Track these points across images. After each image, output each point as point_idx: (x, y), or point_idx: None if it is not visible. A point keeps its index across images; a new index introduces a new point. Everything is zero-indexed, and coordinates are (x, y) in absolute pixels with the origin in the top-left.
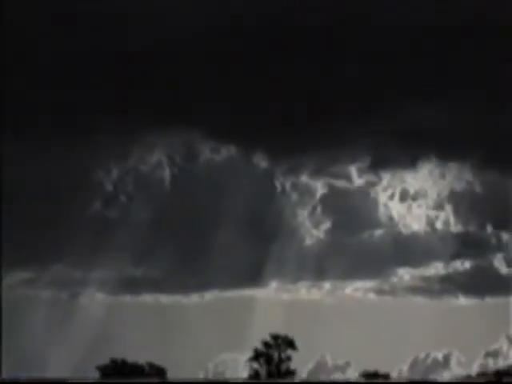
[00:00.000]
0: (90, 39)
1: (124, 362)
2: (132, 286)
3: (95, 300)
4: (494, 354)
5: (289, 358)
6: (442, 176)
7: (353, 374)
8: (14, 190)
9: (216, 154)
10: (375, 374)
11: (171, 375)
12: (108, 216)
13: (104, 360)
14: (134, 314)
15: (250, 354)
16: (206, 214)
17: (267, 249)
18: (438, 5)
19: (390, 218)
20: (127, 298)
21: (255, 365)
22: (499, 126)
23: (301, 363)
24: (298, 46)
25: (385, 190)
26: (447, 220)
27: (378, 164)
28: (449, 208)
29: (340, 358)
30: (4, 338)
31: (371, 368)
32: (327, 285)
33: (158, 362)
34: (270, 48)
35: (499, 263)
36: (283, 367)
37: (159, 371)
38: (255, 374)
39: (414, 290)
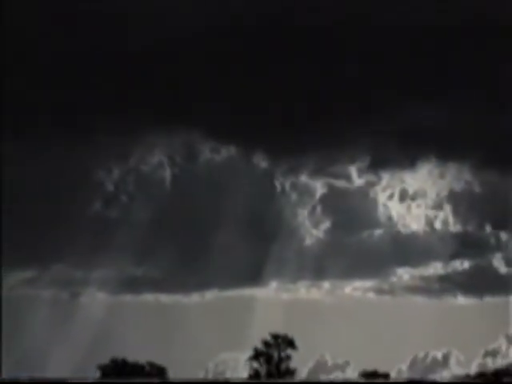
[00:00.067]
0: (90, 39)
1: (124, 362)
2: (132, 285)
3: (96, 300)
4: (493, 354)
5: (289, 358)
6: (441, 176)
7: (352, 373)
8: (14, 190)
9: (216, 154)
10: (374, 374)
11: (172, 374)
12: (109, 216)
13: (105, 359)
14: (135, 314)
15: (250, 353)
16: (206, 213)
17: (267, 248)
18: (438, 5)
19: (390, 218)
20: (128, 298)
21: (255, 364)
22: (499, 126)
23: (300, 362)
24: (298, 46)
25: (384, 189)
26: (446, 220)
27: (378, 164)
28: (448, 208)
29: (339, 358)
30: (5, 338)
31: (370, 367)
32: (327, 284)
33: (159, 361)
34: (270, 48)
35: (498, 263)
36: (283, 366)
37: (160, 370)
38: (255, 374)
39: (413, 289)
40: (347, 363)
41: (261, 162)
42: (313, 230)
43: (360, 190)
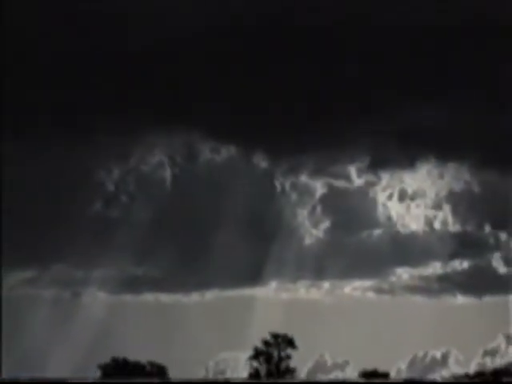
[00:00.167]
0: (90, 39)
1: (125, 361)
2: (133, 285)
3: (96, 299)
4: (492, 353)
5: (288, 357)
6: (441, 176)
7: (352, 372)
8: (14, 190)
9: (216, 154)
10: (374, 373)
11: (172, 374)
12: (109, 216)
13: (105, 359)
14: (135, 313)
15: (250, 352)
16: (206, 213)
17: (267, 248)
18: (438, 5)
19: (389, 218)
20: (128, 297)
21: (255, 363)
22: (499, 126)
23: (300, 362)
24: (298, 46)
25: (384, 190)
26: (445, 220)
27: (377, 164)
28: (447, 208)
29: (339, 357)
30: (5, 338)
31: (370, 366)
32: (326, 284)
33: (159, 360)
34: (270, 48)
35: (497, 263)
36: (283, 366)
37: (160, 370)
38: (255, 373)
39: (412, 289)
40: (347, 362)
41: (261, 161)
42: (312, 229)
43: (360, 190)
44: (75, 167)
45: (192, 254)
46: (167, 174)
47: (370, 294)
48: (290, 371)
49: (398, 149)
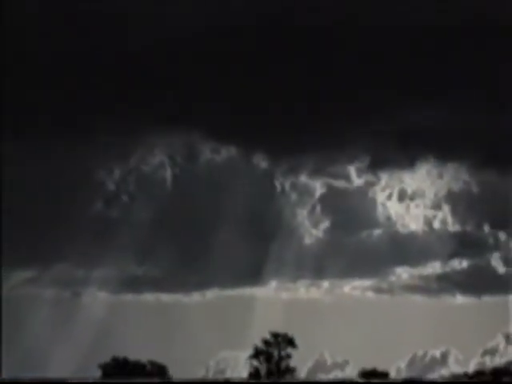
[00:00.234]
0: (90, 39)
1: (126, 361)
2: (133, 284)
3: (97, 299)
4: (492, 352)
5: (288, 356)
6: (440, 176)
7: (351, 371)
8: (14, 190)
9: (216, 154)
10: (373, 372)
11: (172, 373)
12: (110, 216)
13: (106, 358)
14: (136, 313)
15: (250, 351)
16: (206, 213)
17: (267, 248)
18: (438, 5)
19: (388, 218)
20: (129, 297)
21: (255, 363)
22: (498, 126)
23: (300, 361)
24: (298, 46)
25: (383, 189)
26: (445, 219)
27: (377, 164)
28: (446, 208)
29: (339, 356)
30: (6, 338)
31: (369, 366)
32: (326, 283)
33: (160, 360)
34: (270, 48)
35: (496, 262)
36: (283, 365)
37: (160, 369)
38: (255, 372)
39: (411, 288)
40: (346, 362)
41: (261, 162)
42: (312, 229)
43: (359, 190)
44: (75, 167)
45: (192, 253)
46: (168, 174)
47: (370, 294)
48: (290, 370)
49: (398, 149)
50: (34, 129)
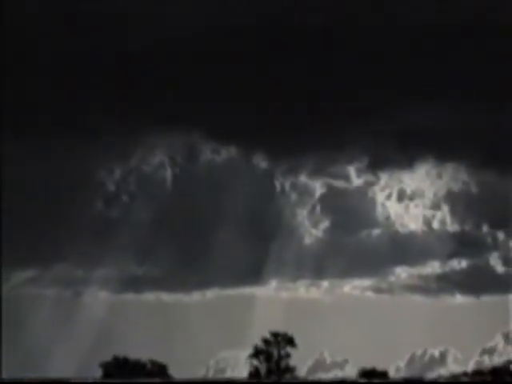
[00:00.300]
0: (90, 39)
1: (126, 360)
2: (134, 284)
3: (98, 298)
4: (490, 352)
5: (288, 355)
6: (439, 176)
7: (351, 370)
8: (14, 190)
9: (216, 154)
10: (373, 371)
11: (173, 372)
12: (110, 216)
13: (107, 357)
14: (136, 312)
15: (250, 351)
16: (206, 213)
17: (267, 248)
18: (438, 5)
19: (388, 218)
20: (129, 297)
21: (255, 362)
22: (498, 126)
23: (300, 360)
24: (298, 46)
25: (382, 189)
26: (444, 219)
27: (376, 164)
28: (445, 208)
29: (338, 355)
30: (7, 338)
31: (369, 365)
32: (326, 283)
33: (160, 359)
34: (270, 48)
35: (495, 262)
36: (283, 364)
37: (161, 368)
38: (255, 371)
39: (411, 288)
40: (346, 361)
41: (261, 162)
42: (312, 229)
43: (359, 190)
44: (75, 167)
45: (192, 253)
46: (168, 174)
47: (369, 293)
48: (290, 370)
49: (397, 149)
50: (33, 129)
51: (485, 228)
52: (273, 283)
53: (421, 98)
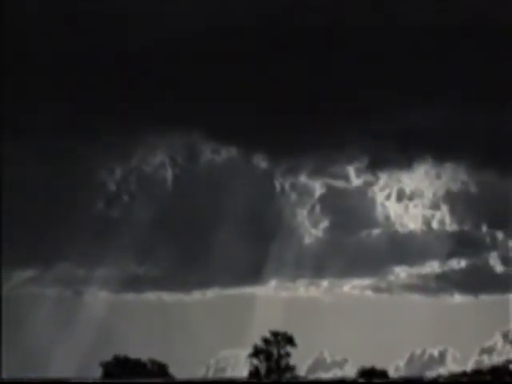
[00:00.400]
0: (90, 39)
1: (127, 359)
2: (135, 284)
3: (98, 298)
4: (489, 351)
5: (288, 355)
6: (438, 176)
7: (350, 370)
8: (14, 190)
9: (216, 154)
10: (372, 370)
11: (173, 372)
12: (111, 215)
13: (107, 357)
14: (137, 312)
15: (250, 350)
16: (207, 213)
17: (267, 248)
18: (438, 5)
19: (387, 218)
20: (130, 296)
21: (255, 361)
22: (498, 127)
23: (300, 359)
24: (298, 46)
25: (382, 189)
26: (443, 219)
27: (376, 164)
28: (444, 208)
29: (338, 355)
30: (7, 337)
31: (368, 364)
32: (325, 283)
33: (160, 358)
34: (270, 48)
35: (494, 261)
36: (283, 363)
37: (161, 368)
38: (255, 370)
39: (410, 287)
40: (345, 360)
41: (261, 162)
42: (312, 229)
43: (358, 190)
44: (75, 167)
45: (193, 253)
46: (168, 174)
47: (369, 293)
48: (290, 369)
49: (396, 149)
50: (34, 129)
51: (484, 228)
52: (273, 283)
53: (421, 98)
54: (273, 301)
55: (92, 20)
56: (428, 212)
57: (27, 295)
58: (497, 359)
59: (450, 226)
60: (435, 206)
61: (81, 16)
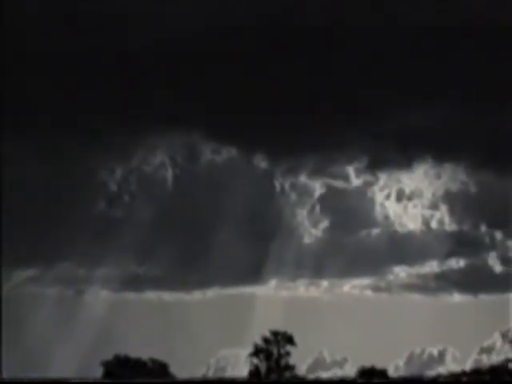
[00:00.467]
0: (90, 39)
1: (127, 358)
2: (135, 283)
3: (99, 297)
4: (488, 350)
5: (288, 354)
6: (438, 176)
7: (350, 369)
8: (14, 190)
9: (217, 154)
10: (372, 370)
11: (173, 371)
12: (112, 215)
13: (108, 356)
14: (137, 311)
15: (250, 349)
16: (207, 213)
17: (267, 247)
18: (438, 5)
19: (387, 218)
20: (130, 296)
21: (255, 360)
22: (498, 127)
23: (300, 359)
24: (298, 46)
25: (381, 189)
26: (442, 219)
27: (375, 164)
28: (444, 208)
29: (338, 354)
30: (7, 337)
31: (368, 363)
32: (325, 282)
33: (161, 357)
34: (270, 48)
35: (493, 261)
36: (282, 363)
37: (161, 367)
38: (255, 370)
39: (409, 287)
40: (345, 360)
41: (261, 162)
42: (312, 229)
43: (358, 190)
44: (76, 167)
45: (193, 253)
46: (168, 174)
47: (368, 293)
48: (290, 368)
49: (396, 149)
50: (33, 129)
51: (483, 228)
52: (273, 282)
53: (421, 98)
54: (273, 300)
55: (92, 20)
56: (427, 212)
57: (28, 295)
58: (496, 359)
59: (450, 225)
60: (434, 206)
61: (81, 16)
